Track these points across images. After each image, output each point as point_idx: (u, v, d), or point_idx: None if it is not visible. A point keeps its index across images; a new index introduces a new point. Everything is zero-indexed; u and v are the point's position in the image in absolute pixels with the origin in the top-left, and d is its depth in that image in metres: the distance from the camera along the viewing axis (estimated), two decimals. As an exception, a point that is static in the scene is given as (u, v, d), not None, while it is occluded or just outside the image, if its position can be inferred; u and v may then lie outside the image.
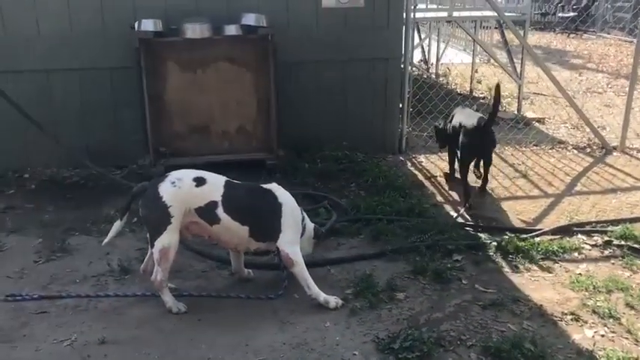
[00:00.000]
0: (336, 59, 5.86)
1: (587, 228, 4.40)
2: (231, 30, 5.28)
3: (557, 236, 4.27)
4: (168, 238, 3.23)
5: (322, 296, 3.36)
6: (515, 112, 7.76)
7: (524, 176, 5.61)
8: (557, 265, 3.90)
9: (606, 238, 4.21)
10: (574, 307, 3.38)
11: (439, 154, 5.88)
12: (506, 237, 4.18)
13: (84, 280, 3.71)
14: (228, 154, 5.53)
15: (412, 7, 6.23)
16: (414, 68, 8.37)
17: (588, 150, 6.42)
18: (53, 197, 4.98)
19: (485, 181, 5.14)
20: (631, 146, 6.48)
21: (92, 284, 3.66)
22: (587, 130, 6.70)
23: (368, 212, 4.56)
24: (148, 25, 5.14)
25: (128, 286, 3.63)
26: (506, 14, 7.18)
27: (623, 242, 4.14)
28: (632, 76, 6.46)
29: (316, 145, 5.74)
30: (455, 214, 4.69)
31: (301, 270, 3.36)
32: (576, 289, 3.57)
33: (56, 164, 5.54)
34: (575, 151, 6.39)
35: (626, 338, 3.11)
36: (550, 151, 6.40)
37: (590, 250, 4.11)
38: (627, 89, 6.50)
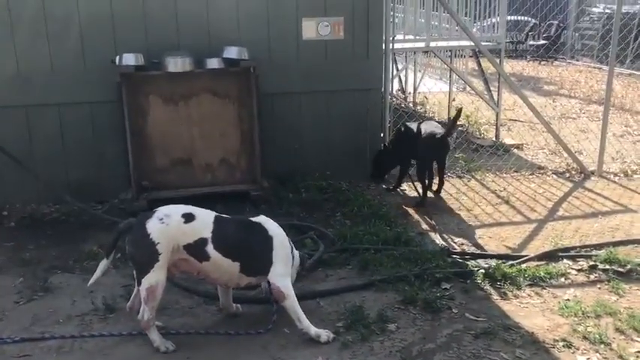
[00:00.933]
0: (318, 90, 5.91)
1: (572, 253, 4.44)
2: (213, 63, 5.30)
3: (543, 262, 4.31)
4: (156, 277, 3.16)
5: (313, 330, 3.32)
6: (494, 139, 7.87)
7: (507, 202, 5.67)
8: (544, 291, 3.92)
9: (591, 263, 4.25)
10: (565, 333, 3.39)
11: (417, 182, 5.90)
12: (493, 264, 4.19)
13: (68, 319, 3.61)
14: (211, 187, 5.50)
15: (391, 39, 6.33)
16: (392, 98, 8.47)
17: (567, 175, 6.52)
18: (33, 234, 4.88)
19: (441, 183, 5.77)
20: (608, 170, 6.61)
21: (76, 324, 3.56)
22: (565, 155, 6.82)
23: (355, 242, 4.55)
24: (130, 59, 5.13)
25: (113, 324, 3.54)
26: (482, 44, 7.33)
27: (607, 266, 4.18)
28: (605, 102, 6.62)
29: (300, 175, 5.75)
30: (441, 243, 4.70)
31: (292, 303, 3.32)
32: (565, 315, 3.59)
33: (35, 200, 5.44)
34: (555, 177, 6.49)
35: (618, 363, 3.13)
36: (530, 176, 6.49)
37: (576, 275, 4.15)
38: (600, 114, 6.67)
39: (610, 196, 5.87)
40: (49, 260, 4.41)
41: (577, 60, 16.78)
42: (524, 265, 4.20)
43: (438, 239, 4.80)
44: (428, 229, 5.04)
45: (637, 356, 3.17)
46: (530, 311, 3.66)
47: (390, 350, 3.25)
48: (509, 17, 11.88)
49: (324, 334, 3.32)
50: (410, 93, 10.62)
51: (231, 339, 3.37)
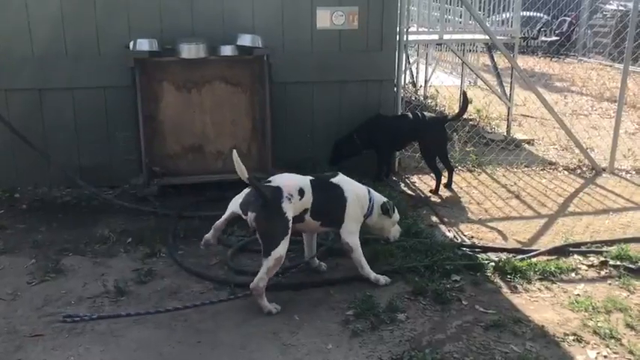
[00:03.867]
0: (331, 80, 5.90)
1: (583, 248, 4.43)
2: (227, 50, 5.29)
3: (554, 257, 4.30)
4: (284, 248, 3.46)
5: (373, 275, 3.80)
6: (505, 134, 7.84)
7: (517, 197, 5.65)
8: (555, 285, 3.91)
9: (602, 259, 4.24)
10: (575, 327, 3.39)
11: (431, 174, 5.89)
12: (504, 257, 4.18)
13: (79, 301, 3.64)
14: (222, 174, 5.48)
15: (405, 30, 6.30)
16: (403, 90, 8.44)
17: (578, 171, 6.50)
18: (45, 217, 4.91)
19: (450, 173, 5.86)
20: (620, 167, 6.57)
21: (88, 306, 3.58)
22: (577, 151, 6.79)
23: (365, 232, 4.53)
24: (144, 44, 5.13)
25: (125, 307, 3.56)
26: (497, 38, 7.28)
27: (618, 262, 4.17)
28: (619, 99, 6.59)
29: (311, 163, 5.73)
30: (452, 235, 4.70)
31: (358, 255, 3.77)
32: (576, 310, 3.58)
33: (47, 184, 5.47)
34: (566, 172, 6.47)
35: (629, 359, 3.12)
36: (541, 172, 6.47)
37: (586, 270, 4.14)
38: (612, 112, 6.63)
39: (621, 193, 5.84)
40: (61, 243, 4.43)
41: (589, 57, 16.66)
42: (534, 260, 4.19)
43: (448, 232, 4.79)
44: (438, 221, 5.04)
45: (647, 352, 3.17)
46: (540, 305, 3.66)
47: (399, 339, 3.25)
48: (522, 13, 11.78)
49: (383, 279, 3.81)
50: (421, 86, 10.58)
51: (242, 324, 3.39)
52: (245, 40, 5.31)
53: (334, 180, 3.80)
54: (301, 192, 3.57)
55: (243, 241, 4.41)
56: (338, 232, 3.77)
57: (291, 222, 3.46)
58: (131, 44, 5.16)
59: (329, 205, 3.70)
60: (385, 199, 3.95)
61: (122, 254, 4.28)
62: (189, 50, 5.19)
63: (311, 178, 3.70)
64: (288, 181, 3.58)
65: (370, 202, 3.85)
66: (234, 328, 3.36)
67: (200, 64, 5.31)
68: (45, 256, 4.21)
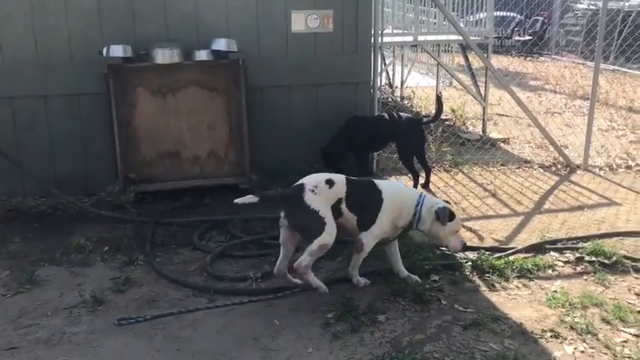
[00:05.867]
0: (307, 83, 5.90)
1: (559, 245, 4.49)
2: (202, 55, 5.27)
3: (531, 254, 4.34)
4: (327, 236, 3.55)
5: (356, 278, 3.84)
6: (481, 133, 7.92)
7: (494, 195, 5.71)
8: (532, 282, 3.96)
9: (578, 255, 4.30)
10: (552, 324, 3.43)
11: (408, 175, 5.92)
12: (482, 256, 4.22)
13: (55, 312, 3.58)
14: (199, 180, 5.48)
15: (380, 32, 6.34)
16: (380, 92, 8.48)
17: (553, 169, 6.59)
18: (19, 227, 4.83)
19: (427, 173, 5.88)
20: (593, 164, 6.68)
21: (64, 316, 3.53)
22: (551, 149, 6.89)
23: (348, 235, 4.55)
24: (117, 50, 5.08)
25: (103, 317, 3.52)
26: (470, 38, 7.36)
27: (594, 258, 4.23)
28: (591, 97, 6.70)
29: (289, 168, 5.71)
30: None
31: (361, 257, 3.78)
32: (553, 306, 3.63)
33: (21, 193, 5.38)
34: (541, 170, 6.55)
35: (605, 354, 3.17)
36: (517, 170, 6.54)
37: (563, 266, 4.19)
38: (585, 109, 6.74)
39: (595, 189, 5.93)
40: (36, 253, 4.37)
41: (562, 56, 16.92)
42: (511, 257, 4.24)
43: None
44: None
45: (623, 346, 3.22)
46: (518, 302, 3.70)
47: (380, 341, 3.26)
48: (495, 13, 11.94)
49: (362, 281, 3.84)
50: (397, 87, 10.64)
51: (222, 331, 3.36)
52: (220, 44, 5.29)
53: (376, 181, 3.87)
54: (330, 182, 3.66)
55: (222, 246, 4.38)
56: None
57: (322, 211, 3.54)
58: (104, 50, 5.11)
59: (365, 201, 3.72)
60: (441, 205, 3.76)
61: (99, 263, 4.23)
62: (164, 55, 5.16)
63: (348, 176, 3.82)
64: (312, 177, 3.72)
65: (418, 206, 3.74)
66: (214, 335, 3.33)
67: (175, 69, 5.28)
68: (20, 266, 4.14)
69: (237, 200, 3.65)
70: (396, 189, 3.91)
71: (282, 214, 3.64)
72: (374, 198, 3.73)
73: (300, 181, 3.69)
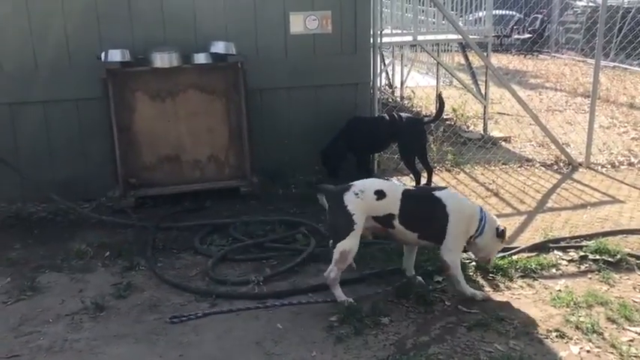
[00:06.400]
0: (307, 85, 5.88)
1: (563, 244, 4.46)
2: (201, 58, 5.25)
3: (534, 253, 4.31)
4: (350, 243, 3.52)
5: (469, 291, 3.66)
6: (482, 132, 7.89)
7: (496, 195, 5.68)
8: (536, 282, 3.93)
9: (582, 254, 4.27)
10: (557, 323, 3.40)
11: (410, 175, 5.90)
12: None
13: (57, 319, 3.56)
14: (200, 184, 5.46)
15: (379, 33, 6.32)
16: (380, 92, 8.46)
17: (555, 167, 6.56)
18: (20, 234, 4.80)
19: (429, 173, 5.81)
20: (595, 162, 6.65)
21: (66, 323, 3.51)
22: (553, 147, 6.86)
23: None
24: (116, 55, 5.06)
25: (105, 323, 3.50)
26: (470, 37, 7.33)
27: (598, 256, 4.20)
28: (592, 94, 6.68)
29: (290, 170, 5.72)
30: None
31: (455, 273, 3.64)
32: (558, 306, 3.60)
33: (21, 199, 5.35)
34: (543, 169, 6.53)
35: (611, 353, 3.14)
36: (518, 169, 6.52)
37: (567, 265, 4.16)
38: (586, 107, 6.71)
39: (598, 187, 5.91)
40: (37, 259, 4.34)
41: (562, 53, 16.90)
42: (515, 257, 4.21)
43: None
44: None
45: (629, 345, 3.19)
46: (522, 302, 3.67)
47: (384, 343, 3.24)
48: (494, 11, 11.94)
49: (479, 294, 3.69)
50: (397, 87, 10.62)
51: (224, 336, 3.34)
52: (218, 47, 5.27)
53: (437, 193, 3.70)
54: (380, 193, 3.58)
55: (224, 250, 4.36)
56: (439, 247, 3.66)
57: (357, 217, 3.50)
58: (103, 55, 5.10)
59: (425, 216, 3.63)
60: (499, 223, 3.77)
61: (100, 269, 4.20)
62: (162, 59, 5.14)
63: (407, 187, 3.76)
64: (364, 182, 3.70)
65: (481, 222, 3.67)
66: (216, 340, 3.31)
67: (173, 73, 5.26)
68: (20, 273, 4.12)
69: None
70: (462, 202, 3.80)
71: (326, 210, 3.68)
72: (436, 213, 3.61)
73: (352, 182, 3.67)
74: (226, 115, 5.51)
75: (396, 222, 3.59)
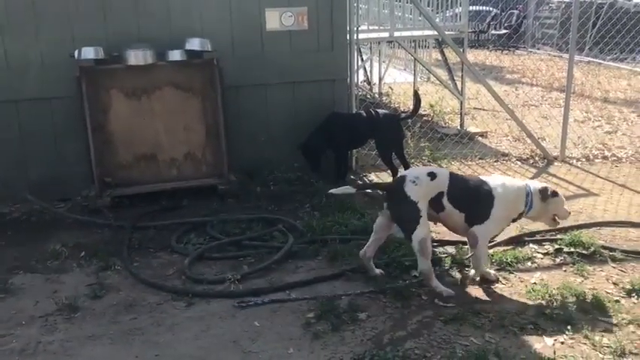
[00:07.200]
0: (283, 82, 5.86)
1: (538, 237, 4.51)
2: (176, 55, 5.20)
3: (510, 247, 4.36)
4: (423, 231, 3.59)
5: (485, 270, 3.83)
6: (459, 128, 7.95)
7: (473, 190, 5.71)
8: (512, 275, 3.97)
9: (556, 246, 4.33)
10: (533, 316, 3.44)
11: (387, 171, 5.91)
12: (461, 250, 4.23)
13: (31, 320, 3.51)
14: (177, 182, 5.42)
15: (355, 29, 6.32)
16: (358, 89, 8.47)
17: (531, 161, 6.64)
18: (-7, 235, 4.73)
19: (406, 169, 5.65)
20: (570, 155, 6.74)
21: (40, 325, 3.46)
22: (529, 141, 6.93)
23: (324, 233, 4.53)
24: (89, 52, 5.00)
25: (79, 324, 3.46)
26: (446, 33, 7.37)
27: (572, 249, 4.26)
28: (567, 89, 6.75)
29: (267, 167, 5.70)
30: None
31: (481, 253, 3.76)
32: (533, 299, 3.64)
33: (-7, 200, 5.27)
34: (519, 163, 6.60)
35: (584, 344, 3.18)
36: (495, 163, 6.58)
37: (542, 258, 4.22)
38: (562, 101, 6.79)
39: (573, 180, 5.98)
40: (10, 261, 4.28)
41: (538, 49, 17.06)
42: (491, 250, 4.23)
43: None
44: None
45: (602, 335, 3.24)
46: (498, 296, 3.71)
47: (361, 339, 3.25)
48: (470, 7, 12.02)
49: (493, 274, 3.87)
50: (375, 84, 10.64)
51: (201, 335, 3.32)
52: (194, 44, 5.23)
53: (484, 177, 3.87)
54: (431, 174, 3.70)
55: (200, 249, 4.33)
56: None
57: (421, 204, 3.59)
58: (76, 53, 5.02)
59: (471, 196, 3.74)
60: (542, 185, 3.86)
61: (75, 269, 4.15)
62: (137, 56, 5.08)
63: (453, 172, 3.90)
64: (415, 169, 3.86)
65: (528, 197, 3.78)
66: (192, 340, 3.29)
67: (148, 70, 5.21)
68: (-7, 275, 4.06)
69: (333, 191, 3.83)
70: (508, 183, 3.83)
71: (385, 204, 3.73)
72: (482, 193, 3.74)
73: (402, 173, 3.85)
74: (203, 113, 5.47)
75: (445, 200, 3.69)
